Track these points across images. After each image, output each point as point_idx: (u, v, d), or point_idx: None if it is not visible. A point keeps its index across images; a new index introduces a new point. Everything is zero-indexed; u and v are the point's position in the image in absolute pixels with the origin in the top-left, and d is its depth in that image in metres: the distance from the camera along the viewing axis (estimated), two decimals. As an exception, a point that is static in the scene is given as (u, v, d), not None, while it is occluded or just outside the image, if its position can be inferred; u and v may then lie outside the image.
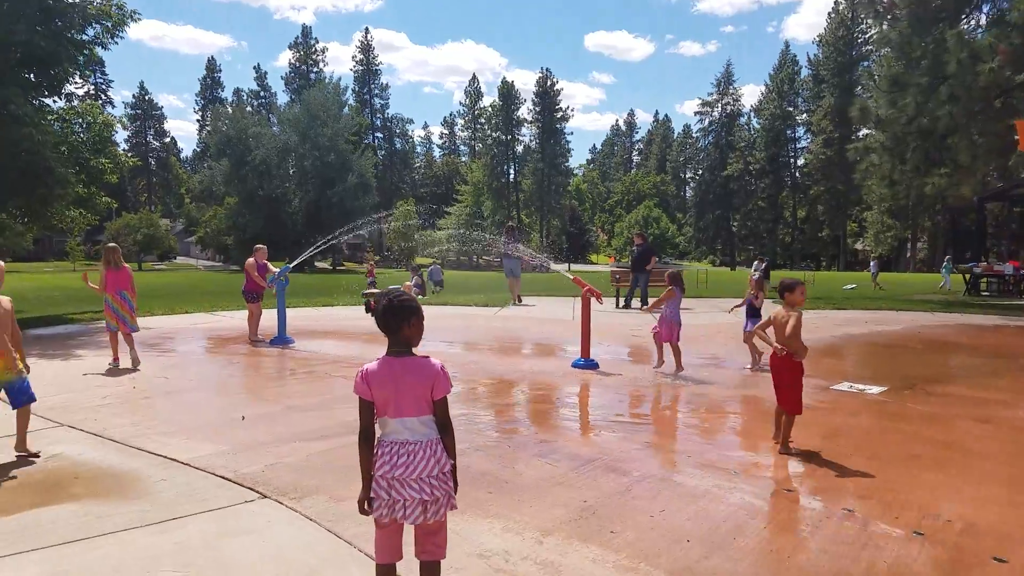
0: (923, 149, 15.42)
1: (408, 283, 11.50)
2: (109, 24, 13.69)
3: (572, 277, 8.76)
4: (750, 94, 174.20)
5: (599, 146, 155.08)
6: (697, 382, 7.53)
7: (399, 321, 2.64)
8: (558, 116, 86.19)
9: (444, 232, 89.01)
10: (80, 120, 15.04)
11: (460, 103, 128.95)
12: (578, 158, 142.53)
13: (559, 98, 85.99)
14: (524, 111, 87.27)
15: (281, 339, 10.29)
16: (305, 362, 8.64)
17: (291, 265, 11.03)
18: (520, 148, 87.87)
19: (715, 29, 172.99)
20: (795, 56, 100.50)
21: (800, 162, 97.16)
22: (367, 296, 14.10)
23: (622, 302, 15.81)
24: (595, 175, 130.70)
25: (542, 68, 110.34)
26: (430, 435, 2.60)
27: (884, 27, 16.06)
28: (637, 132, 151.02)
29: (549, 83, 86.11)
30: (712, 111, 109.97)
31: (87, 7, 13.39)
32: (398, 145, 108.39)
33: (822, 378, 7.51)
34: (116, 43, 13.86)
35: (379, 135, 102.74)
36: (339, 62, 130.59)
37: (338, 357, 9.03)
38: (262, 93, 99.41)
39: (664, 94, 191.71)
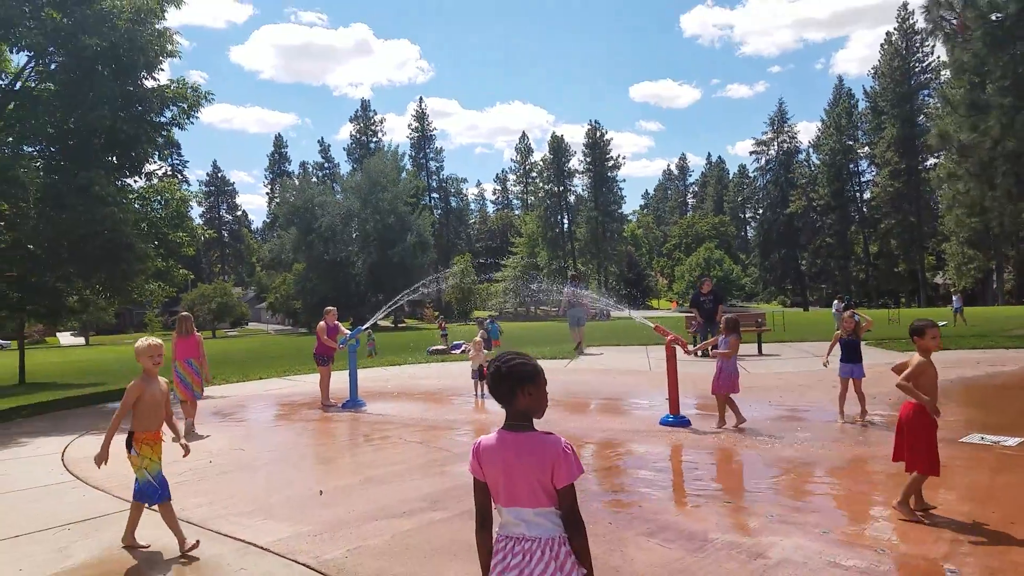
0: (1013, 173, 14.42)
1: (477, 338, 11.20)
2: (185, 106, 14.28)
3: (654, 325, 8.26)
4: (804, 131, 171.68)
5: (651, 191, 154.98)
6: (802, 440, 6.90)
7: (513, 389, 2.23)
8: (609, 164, 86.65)
9: (501, 284, 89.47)
10: (159, 197, 15.65)
11: (511, 160, 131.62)
12: (631, 204, 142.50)
13: (609, 147, 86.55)
14: (575, 162, 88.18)
15: (353, 402, 10.11)
16: (379, 427, 8.39)
17: (363, 328, 10.93)
18: (572, 198, 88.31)
19: (762, 70, 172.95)
20: (850, 90, 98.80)
21: (866, 195, 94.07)
22: (434, 352, 13.56)
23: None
24: (649, 220, 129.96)
25: (590, 120, 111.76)
26: (552, 532, 2.15)
27: (954, 49, 15.32)
28: (690, 175, 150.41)
29: (598, 134, 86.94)
30: (768, 149, 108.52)
31: (165, 91, 14.03)
32: (453, 203, 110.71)
33: (946, 428, 6.76)
34: (191, 123, 14.48)
35: (435, 195, 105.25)
36: (395, 131, 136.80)
37: (411, 419, 8.76)
38: (326, 164, 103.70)
39: (714, 137, 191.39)
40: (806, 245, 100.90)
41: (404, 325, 74.83)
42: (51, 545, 4.60)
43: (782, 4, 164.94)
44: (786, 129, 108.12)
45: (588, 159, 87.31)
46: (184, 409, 8.47)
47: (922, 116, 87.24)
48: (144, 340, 4.56)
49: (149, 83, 13.87)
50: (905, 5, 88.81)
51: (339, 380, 10.95)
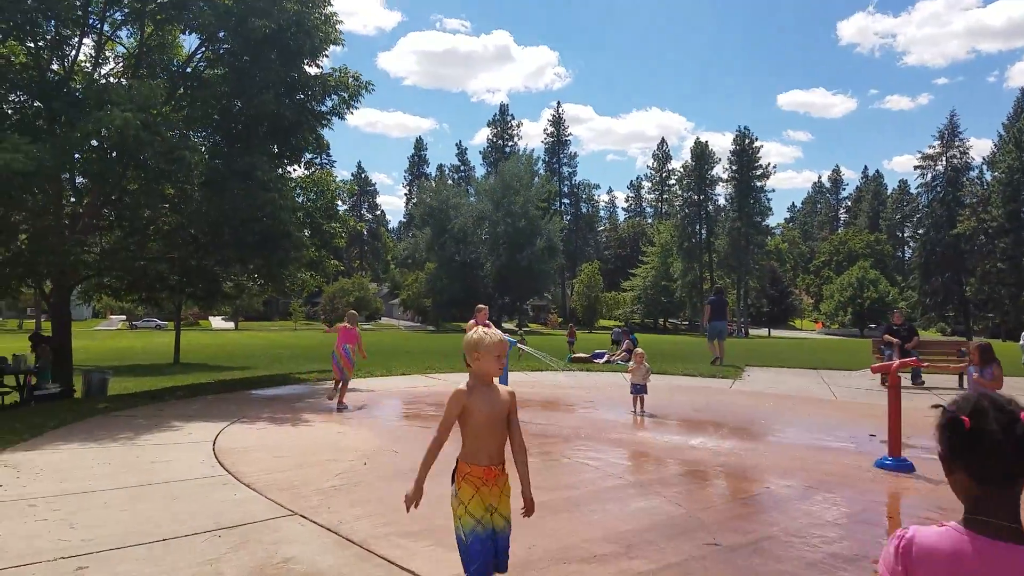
0: None
1: (639, 350, 10.08)
2: (346, 95, 14.17)
3: (895, 360, 6.76)
4: (974, 147, 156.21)
5: (799, 204, 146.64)
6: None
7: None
8: (757, 173, 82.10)
9: (630, 294, 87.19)
10: (315, 187, 15.71)
11: (647, 166, 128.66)
12: (776, 217, 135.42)
13: (758, 155, 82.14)
14: (718, 170, 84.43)
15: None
16: (539, 441, 7.49)
17: (515, 341, 10.05)
18: (712, 207, 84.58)
19: (926, 81, 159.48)
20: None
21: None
22: (575, 360, 12.36)
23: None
24: (796, 234, 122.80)
25: (738, 126, 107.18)
26: None
27: None
28: (843, 189, 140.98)
29: (747, 140, 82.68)
30: (935, 165, 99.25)
31: (328, 79, 13.97)
32: (584, 209, 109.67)
33: None
34: (352, 113, 14.32)
35: (566, 200, 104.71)
36: (530, 137, 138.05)
37: (571, 433, 7.80)
38: (462, 167, 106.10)
39: (869, 150, 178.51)
40: (973, 270, 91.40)
41: (528, 329, 74.66)
42: (198, 556, 3.98)
43: (953, 12, 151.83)
44: (957, 144, 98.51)
45: (734, 166, 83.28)
46: (338, 391, 9.85)
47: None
48: (485, 331, 3.02)
49: (312, 70, 13.87)
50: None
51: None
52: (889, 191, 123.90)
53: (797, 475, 6.16)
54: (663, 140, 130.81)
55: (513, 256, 68.65)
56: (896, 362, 6.49)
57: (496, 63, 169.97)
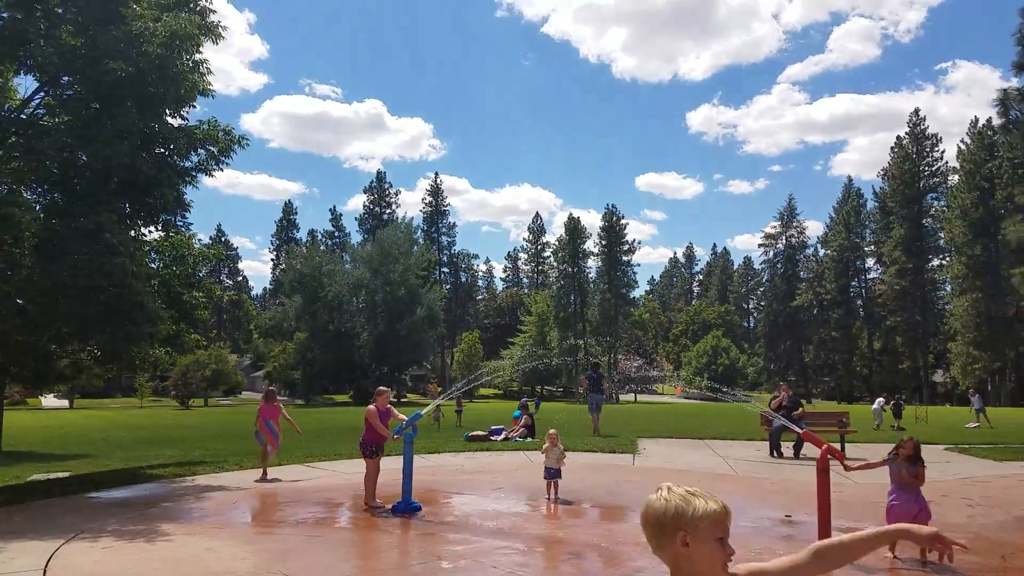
0: None
1: (552, 431, 9.32)
2: (215, 150, 12.82)
3: (801, 431, 6.39)
4: (808, 228, 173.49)
5: (657, 278, 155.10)
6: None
7: None
8: (625, 248, 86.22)
9: (509, 362, 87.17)
10: (173, 251, 13.99)
11: (524, 239, 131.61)
12: (637, 290, 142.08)
13: (624, 232, 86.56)
14: (589, 244, 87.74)
15: (406, 505, 8.14)
16: (451, 541, 6.45)
17: (421, 414, 9.02)
18: (585, 280, 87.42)
19: (763, 168, 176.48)
20: (859, 189, 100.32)
21: (872, 293, 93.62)
22: (473, 439, 11.34)
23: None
24: (656, 306, 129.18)
25: (607, 204, 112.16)
26: None
27: None
28: (696, 264, 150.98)
29: (615, 218, 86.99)
30: (776, 243, 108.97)
31: (194, 132, 12.60)
32: (463, 279, 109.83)
33: None
34: (221, 170, 12.95)
35: (445, 269, 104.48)
36: (406, 206, 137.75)
37: (493, 529, 6.82)
38: (336, 233, 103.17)
39: (716, 229, 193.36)
40: (810, 338, 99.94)
41: (407, 400, 72.25)
42: None
43: (785, 106, 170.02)
44: (794, 224, 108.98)
45: (603, 241, 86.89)
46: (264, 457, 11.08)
47: (929, 219, 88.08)
48: (709, 503, 1.76)
49: (175, 121, 12.46)
50: (917, 111, 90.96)
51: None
52: (735, 266, 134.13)
53: None
54: (537, 214, 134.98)
55: (392, 325, 66.66)
56: (825, 446, 6.13)
57: (369, 131, 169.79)
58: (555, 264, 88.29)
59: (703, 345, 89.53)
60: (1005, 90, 14.61)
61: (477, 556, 6.01)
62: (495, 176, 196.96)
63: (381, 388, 8.87)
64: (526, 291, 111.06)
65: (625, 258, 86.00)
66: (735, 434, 18.18)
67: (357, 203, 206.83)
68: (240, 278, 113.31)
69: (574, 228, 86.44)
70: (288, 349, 67.18)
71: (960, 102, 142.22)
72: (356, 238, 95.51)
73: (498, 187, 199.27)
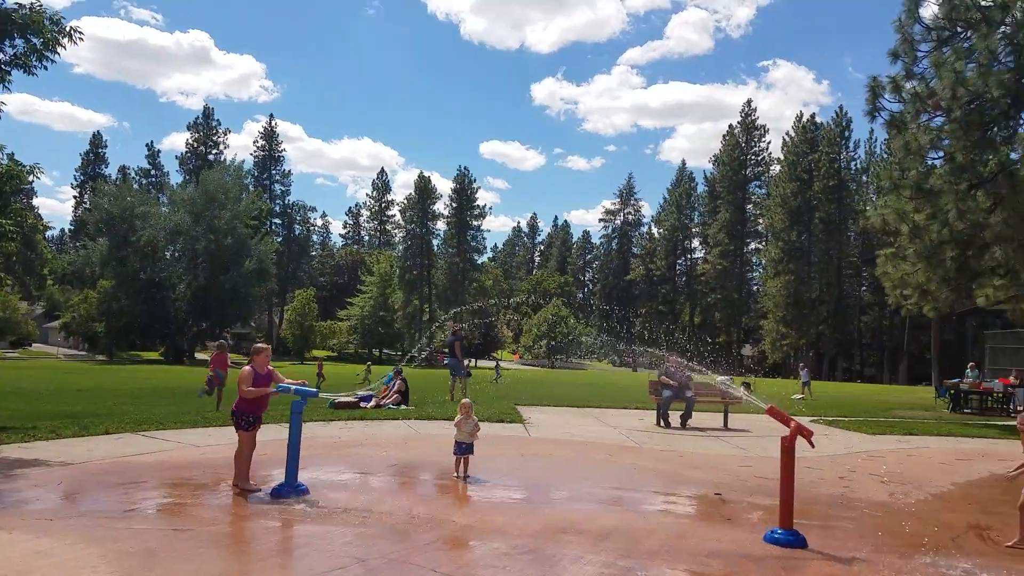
0: (959, 259, 14.14)
1: (466, 400, 8.15)
2: (38, 42, 9.99)
3: (767, 406, 5.77)
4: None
5: (500, 246, 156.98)
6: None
7: None
8: (475, 213, 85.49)
9: (347, 323, 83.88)
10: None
11: (367, 195, 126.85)
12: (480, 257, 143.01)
13: (476, 195, 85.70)
14: (439, 206, 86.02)
15: (291, 488, 6.61)
16: (363, 536, 5.11)
17: (315, 391, 7.34)
18: (435, 242, 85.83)
19: (600, 147, 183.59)
20: (691, 173, 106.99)
21: (696, 271, 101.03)
22: (340, 406, 9.68)
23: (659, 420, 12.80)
24: (498, 273, 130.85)
25: (460, 166, 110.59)
26: None
27: (901, 132, 15.04)
28: (539, 235, 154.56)
29: (466, 181, 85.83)
30: (615, 219, 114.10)
31: (10, 16, 9.72)
32: (298, 232, 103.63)
33: None
34: (46, 68, 10.11)
35: (277, 221, 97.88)
36: (234, 149, 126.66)
37: (408, 519, 5.53)
38: (153, 172, 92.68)
39: (555, 202, 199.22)
40: (640, 311, 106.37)
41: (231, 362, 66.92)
42: None
43: (623, 89, 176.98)
44: (632, 202, 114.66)
45: (454, 204, 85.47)
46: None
47: (750, 205, 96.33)
48: None
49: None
50: (749, 102, 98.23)
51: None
52: (574, 239, 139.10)
53: (687, 564, 4.77)
54: (383, 170, 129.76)
55: (215, 277, 60.87)
56: (793, 423, 5.57)
57: (191, 64, 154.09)
58: (403, 223, 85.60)
59: (544, 314, 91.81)
60: (875, 78, 15.19)
61: (407, 557, 4.75)
62: (333, 126, 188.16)
63: (259, 345, 7.10)
64: (367, 250, 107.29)
65: (475, 223, 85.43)
66: (605, 402, 18.12)
67: (174, 142, 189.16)
68: (35, 215, 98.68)
69: (424, 187, 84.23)
70: (90, 298, 59.27)
71: (777, 99, 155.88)
72: (176, 179, 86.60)
73: (335, 138, 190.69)
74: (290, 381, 6.97)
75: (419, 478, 7.57)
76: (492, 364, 44.72)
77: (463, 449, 7.60)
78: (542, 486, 7.25)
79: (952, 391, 20.63)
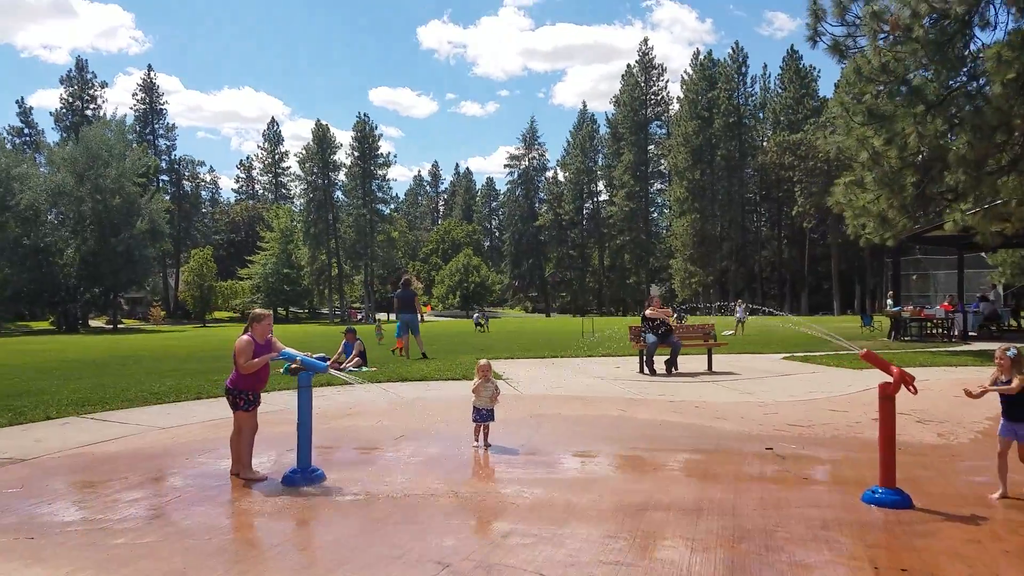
0: (917, 184, 14.47)
1: (483, 361, 7.46)
2: None
3: (862, 351, 5.39)
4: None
5: (401, 196, 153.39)
6: None
7: None
8: (380, 162, 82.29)
9: (249, 282, 79.95)
10: None
11: (259, 147, 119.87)
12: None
13: (378, 143, 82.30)
14: (340, 156, 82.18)
15: (306, 474, 5.78)
16: (405, 528, 4.44)
17: (324, 363, 6.30)
18: (338, 193, 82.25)
19: (492, 92, 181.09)
20: (593, 115, 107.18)
21: (604, 214, 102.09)
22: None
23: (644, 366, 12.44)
24: (404, 224, 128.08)
25: (360, 113, 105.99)
26: None
27: (856, 58, 15.14)
28: (441, 184, 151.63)
29: (367, 128, 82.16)
30: (520, 164, 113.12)
31: None
32: (187, 188, 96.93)
33: None
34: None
35: (164, 177, 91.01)
36: (111, 104, 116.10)
37: (454, 498, 4.88)
38: (26, 131, 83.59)
39: (452, 150, 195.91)
40: (550, 256, 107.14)
41: (124, 326, 62.61)
42: None
43: (512, 32, 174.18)
44: (536, 147, 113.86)
45: (356, 153, 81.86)
46: None
47: (652, 145, 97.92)
48: None
49: None
50: (646, 40, 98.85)
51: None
52: (478, 187, 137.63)
53: (788, 529, 4.44)
54: (274, 120, 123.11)
55: (105, 240, 56.08)
56: (895, 370, 5.19)
57: (51, 15, 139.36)
58: (303, 175, 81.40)
59: (455, 264, 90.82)
60: (816, 0, 15.09)
61: (497, 558, 4.12)
62: (211, 77, 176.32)
63: (258, 311, 6.13)
64: (263, 204, 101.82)
65: (380, 172, 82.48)
66: (559, 351, 17.82)
67: (43, 99, 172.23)
68: None
69: (323, 136, 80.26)
70: (-30, 269, 53.69)
71: (663, 39, 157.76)
72: (53, 137, 78.66)
73: (215, 89, 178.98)
74: (287, 350, 6.07)
75: (437, 451, 6.92)
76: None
77: (483, 416, 7.00)
78: (578, 453, 6.75)
79: (894, 319, 21.52)
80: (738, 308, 33.19)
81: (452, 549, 4.25)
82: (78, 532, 4.60)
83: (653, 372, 11.94)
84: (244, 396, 5.94)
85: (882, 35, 14.21)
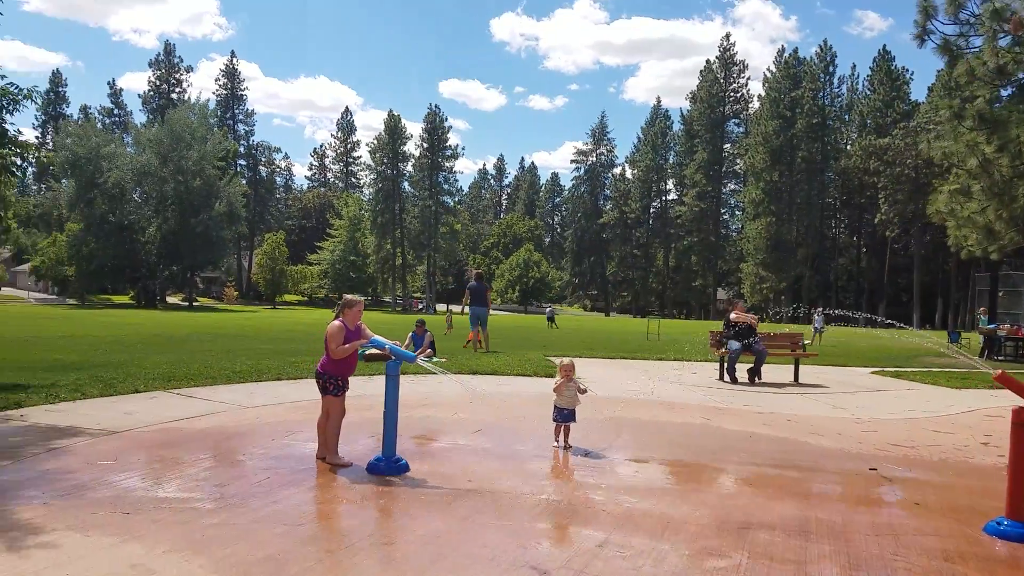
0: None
1: (565, 360, 7.24)
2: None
3: (996, 372, 4.92)
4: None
5: (465, 189, 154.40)
6: None
7: None
8: (447, 154, 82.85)
9: (318, 267, 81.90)
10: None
11: (332, 136, 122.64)
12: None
13: (447, 135, 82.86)
14: (409, 147, 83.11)
15: (390, 463, 5.70)
16: (473, 523, 4.26)
17: (414, 352, 6.27)
18: (406, 184, 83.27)
19: (562, 86, 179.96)
20: (667, 111, 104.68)
21: (672, 213, 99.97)
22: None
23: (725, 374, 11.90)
24: (466, 217, 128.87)
25: (431, 105, 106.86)
26: None
27: (964, 59, 14.19)
28: (506, 177, 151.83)
29: (437, 120, 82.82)
30: (588, 159, 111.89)
31: None
32: (263, 174, 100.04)
33: None
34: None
35: (242, 162, 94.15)
36: (194, 89, 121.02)
37: (564, 500, 4.69)
38: (116, 111, 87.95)
39: (518, 144, 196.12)
40: (613, 254, 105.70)
41: (199, 304, 65.17)
42: None
43: (586, 25, 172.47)
44: (604, 143, 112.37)
45: (425, 145, 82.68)
46: None
47: (728, 144, 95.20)
48: None
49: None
50: (728, 36, 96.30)
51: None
52: (542, 182, 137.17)
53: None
54: (347, 110, 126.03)
55: (185, 220, 58.52)
56: None
57: (143, 1, 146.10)
58: (373, 165, 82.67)
59: (515, 258, 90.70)
60: None
61: (588, 565, 3.91)
62: (289, 66, 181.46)
63: (351, 297, 6.07)
64: (334, 192, 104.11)
65: (447, 164, 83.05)
66: (622, 351, 17.44)
67: (132, 82, 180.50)
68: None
69: (395, 127, 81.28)
70: (59, 241, 56.83)
71: (744, 35, 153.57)
72: (140, 118, 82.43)
73: (292, 77, 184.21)
74: (375, 337, 6.01)
75: (516, 448, 6.76)
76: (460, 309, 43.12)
77: (564, 416, 6.78)
78: (665, 461, 6.44)
79: (987, 336, 20.32)
80: (816, 316, 31.68)
81: (547, 555, 4.06)
82: (172, 510, 4.61)
83: (735, 380, 11.44)
84: (334, 381, 5.90)
85: (1002, 35, 13.28)
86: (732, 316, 11.46)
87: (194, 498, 4.87)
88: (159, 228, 58.97)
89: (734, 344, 11.34)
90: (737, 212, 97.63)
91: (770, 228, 77.03)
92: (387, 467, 5.67)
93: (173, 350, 15.46)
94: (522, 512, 4.81)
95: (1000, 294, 32.22)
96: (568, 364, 6.96)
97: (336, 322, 5.86)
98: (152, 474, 5.48)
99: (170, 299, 67.32)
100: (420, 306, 77.26)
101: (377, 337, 5.97)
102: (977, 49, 14.34)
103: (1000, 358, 19.79)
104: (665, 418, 8.24)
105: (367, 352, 5.87)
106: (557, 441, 6.78)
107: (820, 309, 34.28)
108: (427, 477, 5.56)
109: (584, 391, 6.89)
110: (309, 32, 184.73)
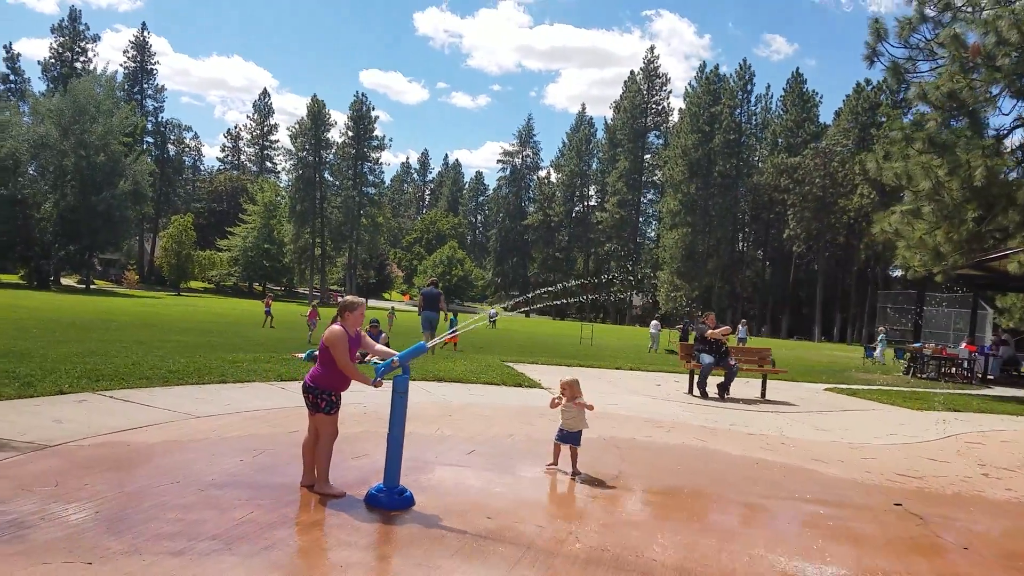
0: (978, 220, 13.94)
1: (570, 378, 6.63)
2: None
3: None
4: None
5: (387, 182, 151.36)
6: None
7: None
8: (374, 144, 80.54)
9: (228, 254, 77.89)
10: None
11: (248, 118, 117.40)
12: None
13: (374, 125, 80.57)
14: (333, 134, 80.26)
15: (392, 496, 4.93)
16: None
17: (426, 346, 5.53)
18: (327, 173, 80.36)
19: (484, 86, 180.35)
20: (591, 119, 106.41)
21: (593, 219, 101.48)
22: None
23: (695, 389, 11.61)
24: (388, 211, 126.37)
25: (357, 93, 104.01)
26: None
27: (918, 84, 14.64)
28: (429, 173, 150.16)
29: (364, 108, 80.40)
30: (513, 160, 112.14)
31: None
32: (172, 153, 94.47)
33: None
34: None
35: (149, 139, 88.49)
36: (99, 59, 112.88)
37: (592, 549, 4.09)
38: (12, 77, 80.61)
39: (439, 139, 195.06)
40: (535, 257, 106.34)
41: (96, 288, 60.58)
42: None
43: (509, 27, 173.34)
44: (530, 145, 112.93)
45: (351, 133, 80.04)
46: None
47: (647, 155, 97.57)
48: None
49: None
50: (652, 48, 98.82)
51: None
52: (466, 179, 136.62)
53: None
54: (265, 91, 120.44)
55: (86, 197, 54.12)
56: None
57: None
58: (293, 151, 79.32)
59: (439, 255, 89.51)
60: (877, 20, 14.65)
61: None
62: (201, 43, 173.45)
63: (352, 299, 5.25)
64: (248, 176, 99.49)
65: (373, 155, 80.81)
66: (561, 357, 17.06)
67: (30, 48, 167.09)
68: None
69: (318, 113, 78.34)
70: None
71: (661, 49, 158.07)
72: (39, 87, 76.05)
73: (204, 55, 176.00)
74: (379, 348, 5.29)
75: (522, 474, 6.15)
76: (387, 306, 41.86)
77: (567, 437, 6.22)
78: (690, 494, 5.94)
79: (911, 355, 21.01)
80: (740, 328, 32.56)
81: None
82: (136, 551, 3.71)
83: (705, 395, 11.19)
84: (326, 397, 5.07)
85: (941, 59, 13.72)
86: (708, 333, 11.16)
87: (160, 536, 3.98)
88: (56, 204, 54.40)
89: (706, 359, 11.09)
90: (653, 222, 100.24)
91: (685, 238, 79.34)
92: (389, 500, 4.91)
93: (80, 339, 13.96)
94: (562, 562, 4.17)
95: (888, 308, 34.06)
96: (571, 382, 6.39)
97: (337, 327, 5.06)
98: (107, 506, 4.48)
99: (64, 281, 62.29)
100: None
101: (379, 346, 5.29)
102: (926, 73, 14.79)
103: (923, 376, 20.54)
104: (660, 439, 7.78)
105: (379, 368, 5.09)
106: (556, 463, 6.22)
107: (744, 321, 35.55)
108: (438, 513, 4.85)
109: (591, 407, 6.33)
110: (223, 8, 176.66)
